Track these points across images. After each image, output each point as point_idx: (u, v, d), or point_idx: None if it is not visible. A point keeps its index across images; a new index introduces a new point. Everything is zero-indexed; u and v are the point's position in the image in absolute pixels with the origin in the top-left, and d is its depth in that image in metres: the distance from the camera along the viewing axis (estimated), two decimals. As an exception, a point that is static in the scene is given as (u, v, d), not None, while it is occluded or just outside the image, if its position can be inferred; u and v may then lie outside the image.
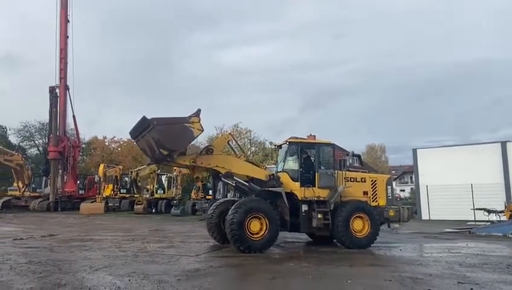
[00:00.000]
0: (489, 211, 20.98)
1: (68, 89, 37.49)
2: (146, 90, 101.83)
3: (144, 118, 11.04)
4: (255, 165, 13.96)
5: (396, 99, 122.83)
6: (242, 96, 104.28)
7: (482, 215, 21.66)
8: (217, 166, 11.96)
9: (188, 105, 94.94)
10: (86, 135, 54.43)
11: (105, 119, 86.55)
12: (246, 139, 43.44)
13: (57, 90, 36.62)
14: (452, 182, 25.05)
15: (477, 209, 22.21)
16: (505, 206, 21.21)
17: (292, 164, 12.81)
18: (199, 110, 11.79)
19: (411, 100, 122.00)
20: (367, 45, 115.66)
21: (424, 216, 27.23)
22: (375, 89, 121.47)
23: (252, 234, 11.11)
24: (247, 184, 12.12)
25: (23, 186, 36.34)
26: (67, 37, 37.66)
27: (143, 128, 11.26)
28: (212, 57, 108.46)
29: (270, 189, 12.13)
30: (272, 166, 17.70)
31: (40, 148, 54.26)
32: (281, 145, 13.64)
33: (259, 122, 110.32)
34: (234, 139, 14.28)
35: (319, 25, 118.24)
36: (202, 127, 11.72)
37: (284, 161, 12.94)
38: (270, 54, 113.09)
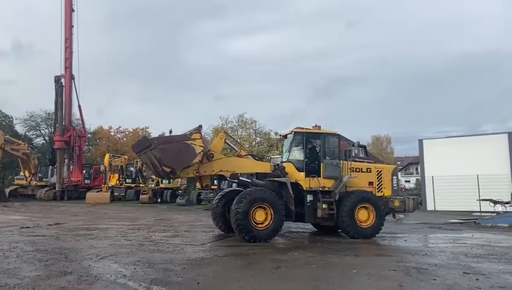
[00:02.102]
0: (495, 202, 20.86)
1: (73, 78, 37.47)
2: (153, 79, 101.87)
3: (145, 137, 11.04)
4: (258, 158, 13.88)
5: (402, 89, 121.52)
6: (249, 85, 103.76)
7: (487, 206, 21.53)
8: (221, 171, 11.92)
9: (195, 94, 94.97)
10: (92, 124, 54.77)
11: (112, 109, 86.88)
12: (251, 130, 43.25)
13: (62, 80, 36.69)
14: (458, 172, 24.91)
15: (483, 200, 22.11)
16: (511, 197, 21.09)
17: (297, 154, 12.74)
18: (200, 126, 11.77)
19: (418, 90, 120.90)
20: (375, 34, 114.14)
21: (430, 207, 27.15)
22: (381, 80, 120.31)
23: (257, 223, 11.13)
24: (249, 181, 12.14)
25: (29, 176, 36.72)
26: (72, 26, 37.51)
27: (145, 146, 11.25)
28: (220, 46, 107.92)
29: (275, 179, 12.13)
30: (277, 156, 17.68)
31: (46, 138, 54.57)
32: (286, 135, 13.54)
33: (267, 112, 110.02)
34: (229, 136, 14.14)
35: (328, 14, 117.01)
36: (204, 143, 11.70)
37: (289, 151, 12.87)
38: (278, 43, 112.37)
